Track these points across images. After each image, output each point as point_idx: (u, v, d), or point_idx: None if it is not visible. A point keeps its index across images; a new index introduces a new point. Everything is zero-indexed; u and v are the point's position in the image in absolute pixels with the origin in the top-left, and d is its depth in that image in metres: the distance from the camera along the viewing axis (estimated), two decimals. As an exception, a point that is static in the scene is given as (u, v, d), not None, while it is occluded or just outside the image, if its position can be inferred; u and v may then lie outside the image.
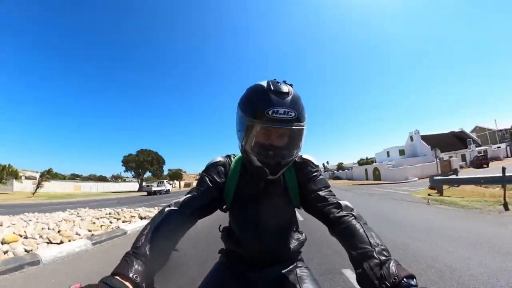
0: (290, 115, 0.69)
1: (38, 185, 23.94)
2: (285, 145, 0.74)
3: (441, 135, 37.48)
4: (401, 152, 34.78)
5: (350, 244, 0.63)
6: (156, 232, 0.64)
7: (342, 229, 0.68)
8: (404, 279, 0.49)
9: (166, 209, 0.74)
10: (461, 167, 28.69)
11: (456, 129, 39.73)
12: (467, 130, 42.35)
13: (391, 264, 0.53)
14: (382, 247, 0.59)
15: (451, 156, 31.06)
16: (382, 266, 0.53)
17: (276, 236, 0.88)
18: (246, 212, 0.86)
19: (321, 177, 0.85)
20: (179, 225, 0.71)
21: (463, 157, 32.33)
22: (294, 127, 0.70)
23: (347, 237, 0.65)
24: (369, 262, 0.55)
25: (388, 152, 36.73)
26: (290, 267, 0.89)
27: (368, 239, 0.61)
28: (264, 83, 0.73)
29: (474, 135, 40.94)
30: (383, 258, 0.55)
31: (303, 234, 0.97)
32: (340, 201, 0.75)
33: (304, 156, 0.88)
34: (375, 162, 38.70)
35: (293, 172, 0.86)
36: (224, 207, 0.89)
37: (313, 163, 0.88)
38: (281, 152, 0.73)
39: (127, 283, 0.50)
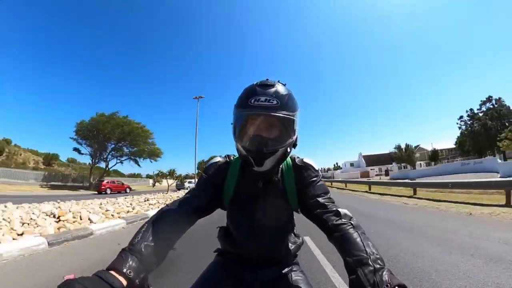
0: (272, 102, 0.70)
1: (179, 181, 48.24)
2: (268, 132, 0.74)
3: (381, 154, 60.48)
4: (351, 164, 60.02)
5: (346, 251, 0.65)
6: (152, 230, 0.66)
7: (339, 237, 0.69)
8: (396, 287, 0.52)
9: (165, 208, 0.75)
10: (380, 175, 53.25)
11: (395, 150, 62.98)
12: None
13: (384, 272, 0.56)
14: (377, 256, 0.61)
15: (380, 169, 55.34)
16: (375, 273, 0.55)
17: (273, 238, 0.88)
18: (243, 212, 0.86)
19: (320, 182, 0.85)
20: (176, 225, 0.72)
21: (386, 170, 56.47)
22: (275, 113, 0.71)
23: (344, 244, 0.67)
24: (364, 269, 0.57)
25: (345, 164, 61.84)
26: (286, 270, 0.89)
27: (364, 247, 0.63)
28: (257, 81, 0.76)
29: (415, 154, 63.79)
30: (378, 266, 0.57)
31: (300, 238, 0.97)
32: (339, 209, 0.76)
33: (305, 160, 0.88)
34: (340, 168, 64.04)
35: (293, 175, 0.85)
36: (222, 207, 0.89)
37: (313, 167, 0.87)
38: (264, 140, 0.73)
39: (120, 278, 0.51)
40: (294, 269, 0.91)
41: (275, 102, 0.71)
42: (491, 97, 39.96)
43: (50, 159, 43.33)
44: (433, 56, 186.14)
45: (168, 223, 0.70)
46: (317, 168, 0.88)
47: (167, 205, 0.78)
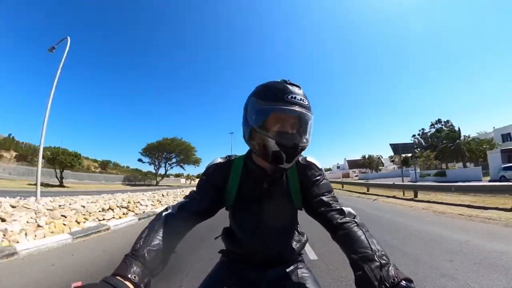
0: (305, 102, 0.74)
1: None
2: (302, 129, 0.77)
3: (360, 159, 76.23)
4: (338, 167, 76.13)
5: (351, 248, 0.65)
6: (153, 236, 0.67)
7: (344, 235, 0.70)
8: (403, 281, 0.53)
9: (164, 213, 0.75)
10: (358, 175, 68.39)
11: (375, 155, 78.10)
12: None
13: (390, 267, 0.57)
14: (383, 252, 0.62)
15: (360, 171, 70.49)
16: (381, 269, 0.57)
17: (277, 237, 0.89)
18: (247, 213, 0.87)
19: (324, 181, 0.86)
20: (176, 229, 0.73)
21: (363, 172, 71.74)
22: (309, 112, 0.75)
23: (349, 242, 0.67)
24: (370, 265, 0.58)
25: (333, 166, 78.09)
26: (291, 267, 0.90)
27: (369, 244, 0.64)
28: (279, 79, 0.78)
29: (391, 159, 78.78)
30: (383, 261, 0.59)
31: (304, 236, 0.99)
32: (343, 208, 0.76)
33: (308, 159, 0.89)
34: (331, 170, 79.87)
35: (296, 174, 0.87)
36: (225, 208, 0.90)
37: (317, 166, 0.88)
38: (298, 136, 0.76)
39: (126, 283, 0.53)
40: (300, 266, 0.92)
41: (306, 102, 0.75)
42: (441, 119, 54.60)
43: (105, 165, 57.31)
44: (433, 57, 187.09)
45: (168, 228, 0.71)
46: (320, 167, 0.89)
47: (166, 208, 0.77)
